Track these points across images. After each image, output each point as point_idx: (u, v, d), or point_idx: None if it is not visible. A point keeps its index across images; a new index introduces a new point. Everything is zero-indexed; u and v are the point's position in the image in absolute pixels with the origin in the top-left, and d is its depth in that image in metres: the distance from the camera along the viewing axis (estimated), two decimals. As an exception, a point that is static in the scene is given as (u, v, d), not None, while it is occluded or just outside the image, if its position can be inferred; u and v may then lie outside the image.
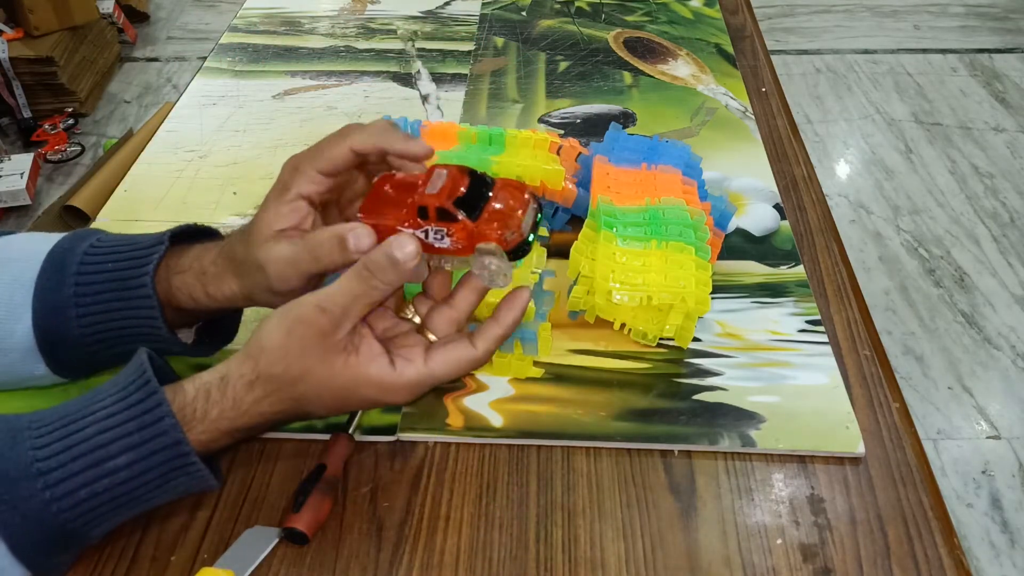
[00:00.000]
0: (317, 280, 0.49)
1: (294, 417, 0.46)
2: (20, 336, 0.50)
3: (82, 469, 0.41)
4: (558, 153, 0.68)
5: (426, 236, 0.46)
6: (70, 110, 2.22)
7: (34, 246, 0.51)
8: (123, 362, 0.49)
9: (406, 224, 0.47)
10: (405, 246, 0.44)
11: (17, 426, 0.42)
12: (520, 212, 0.46)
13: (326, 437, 0.53)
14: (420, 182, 0.47)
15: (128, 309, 0.49)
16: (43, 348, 0.50)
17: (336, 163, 0.48)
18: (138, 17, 2.68)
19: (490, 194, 0.46)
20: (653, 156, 0.67)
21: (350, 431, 0.53)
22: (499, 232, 0.45)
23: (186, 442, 0.42)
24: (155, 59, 2.55)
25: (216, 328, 0.56)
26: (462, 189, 0.46)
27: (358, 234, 0.46)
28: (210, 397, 0.44)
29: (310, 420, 0.52)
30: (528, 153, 0.65)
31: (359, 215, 0.48)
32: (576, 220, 0.68)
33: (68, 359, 0.51)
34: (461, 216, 0.45)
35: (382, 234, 0.46)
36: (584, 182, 0.67)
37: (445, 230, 0.46)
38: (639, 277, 0.56)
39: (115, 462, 0.41)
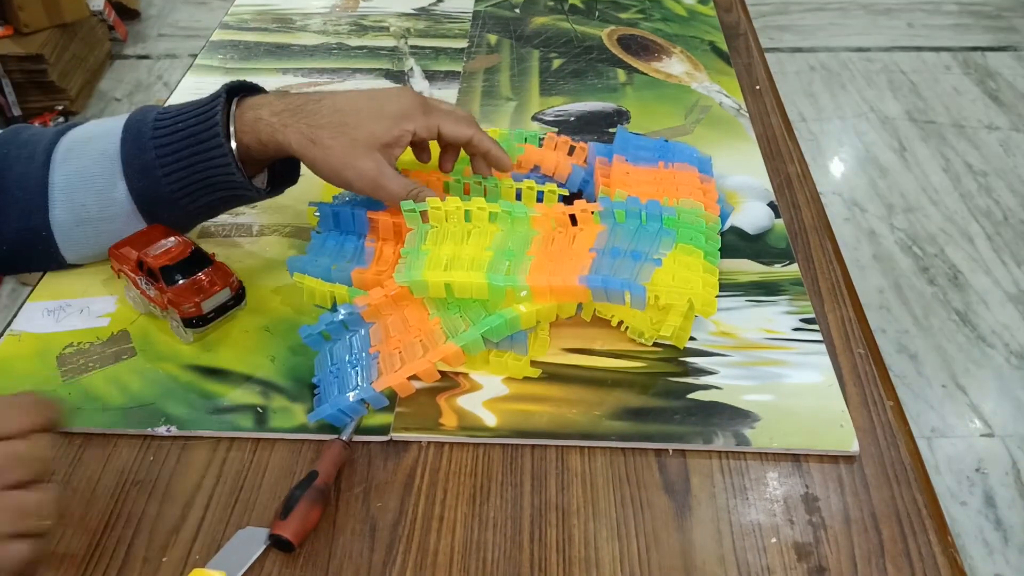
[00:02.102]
0: None
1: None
2: (120, 201, 0.59)
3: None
4: (570, 153, 0.69)
5: (142, 283, 0.59)
6: (60, 108, 2.20)
7: (108, 125, 0.60)
8: (212, 213, 0.63)
9: (128, 267, 0.59)
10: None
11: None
12: (211, 292, 0.58)
13: (318, 438, 0.53)
14: (158, 235, 0.59)
15: (205, 161, 0.57)
16: (142, 208, 0.59)
17: (453, 140, 0.62)
18: (129, 14, 2.66)
19: (199, 271, 0.58)
20: (664, 156, 0.68)
21: (345, 437, 0.52)
22: (181, 301, 0.57)
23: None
24: (146, 56, 2.54)
25: (282, 174, 0.64)
26: (178, 259, 0.58)
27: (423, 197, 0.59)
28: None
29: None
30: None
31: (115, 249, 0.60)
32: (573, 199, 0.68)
33: (164, 215, 0.60)
34: (160, 279, 0.57)
35: (118, 267, 0.60)
36: (588, 176, 0.68)
37: (152, 285, 0.58)
38: None
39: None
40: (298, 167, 0.65)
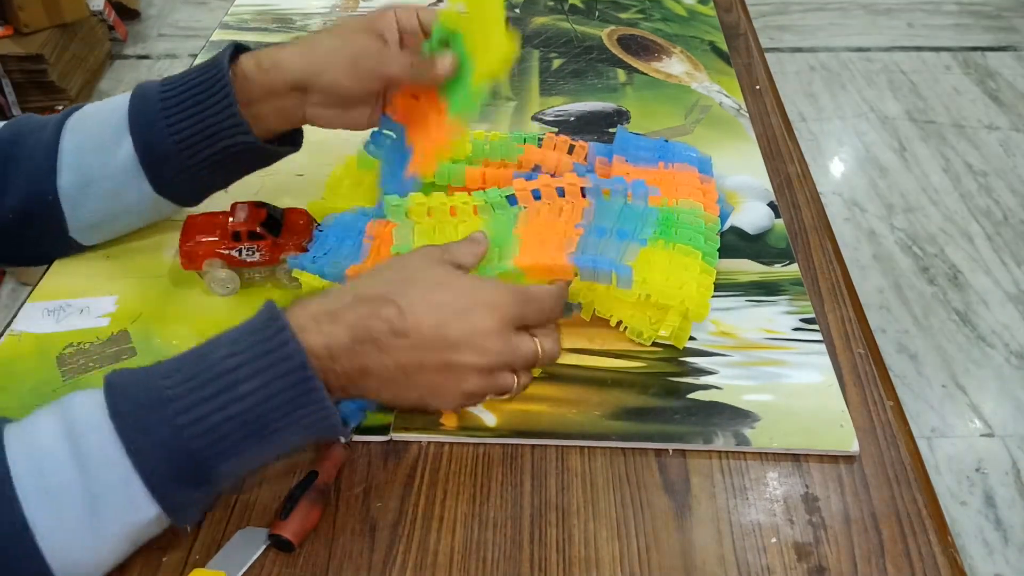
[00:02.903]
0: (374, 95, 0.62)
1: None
2: (124, 156, 0.58)
3: (211, 396, 0.42)
4: (570, 152, 0.69)
5: (240, 255, 0.60)
6: (60, 108, 2.19)
7: (121, 97, 0.60)
8: (214, 178, 0.61)
9: (222, 247, 0.59)
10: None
11: (147, 368, 0.45)
12: (307, 230, 0.61)
13: (318, 437, 0.53)
14: (223, 216, 0.60)
15: (208, 104, 0.57)
16: (145, 164, 0.58)
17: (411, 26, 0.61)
18: (129, 14, 2.66)
19: (281, 219, 0.61)
20: (664, 156, 0.68)
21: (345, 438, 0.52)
22: (296, 243, 0.60)
23: (309, 366, 0.43)
24: (146, 56, 2.54)
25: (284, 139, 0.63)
26: (260, 217, 0.59)
27: (444, 62, 0.59)
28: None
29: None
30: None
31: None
32: None
33: (166, 173, 0.59)
34: (267, 234, 0.59)
35: (200, 257, 0.60)
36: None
37: (255, 247, 0.59)
38: (640, 275, 0.55)
39: (243, 387, 0.42)
40: (300, 135, 0.65)
